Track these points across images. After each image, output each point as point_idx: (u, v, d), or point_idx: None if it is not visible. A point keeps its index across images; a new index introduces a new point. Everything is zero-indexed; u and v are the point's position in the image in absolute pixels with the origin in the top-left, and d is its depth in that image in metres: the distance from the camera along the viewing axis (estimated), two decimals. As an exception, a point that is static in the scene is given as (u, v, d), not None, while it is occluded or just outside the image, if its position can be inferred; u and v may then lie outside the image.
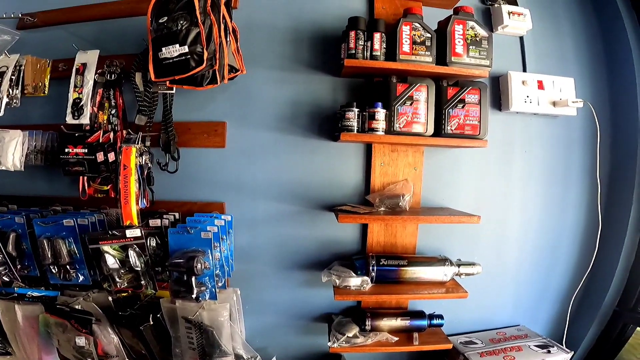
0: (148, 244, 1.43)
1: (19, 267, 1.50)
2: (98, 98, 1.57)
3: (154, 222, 1.50)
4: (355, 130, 1.48)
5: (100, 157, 1.54)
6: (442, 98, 1.54)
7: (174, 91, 1.47)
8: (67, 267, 1.44)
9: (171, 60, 1.24)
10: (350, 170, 1.71)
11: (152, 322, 1.41)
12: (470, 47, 1.51)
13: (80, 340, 1.38)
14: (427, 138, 1.53)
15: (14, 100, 1.60)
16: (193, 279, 1.25)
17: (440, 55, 1.51)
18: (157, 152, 1.59)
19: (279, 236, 1.71)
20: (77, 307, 1.45)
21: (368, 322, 1.57)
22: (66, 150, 1.54)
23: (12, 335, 1.57)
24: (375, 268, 1.53)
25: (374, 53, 1.48)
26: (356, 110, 1.47)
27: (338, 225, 1.63)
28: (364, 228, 1.71)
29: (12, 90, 1.58)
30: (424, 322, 1.62)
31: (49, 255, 1.43)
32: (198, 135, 1.64)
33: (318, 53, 1.68)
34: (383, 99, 1.49)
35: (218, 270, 1.40)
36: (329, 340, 1.56)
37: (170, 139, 1.57)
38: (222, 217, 1.59)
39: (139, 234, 1.35)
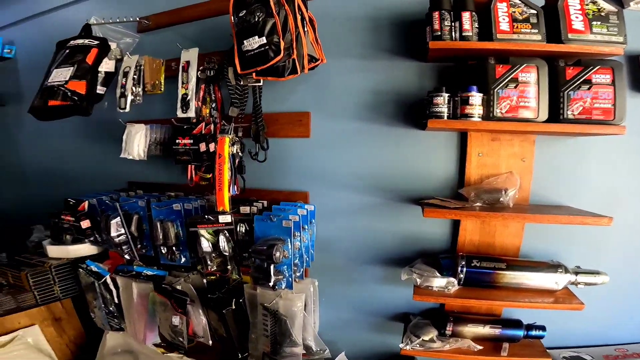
0: (238, 230, 1.50)
1: (138, 246, 1.72)
2: (201, 93, 1.71)
3: (244, 209, 1.57)
4: (445, 117, 1.33)
5: (202, 147, 1.67)
6: (558, 79, 1.29)
7: (261, 83, 1.52)
8: (173, 248, 1.60)
9: (252, 52, 1.28)
10: (440, 161, 1.55)
11: (234, 307, 1.48)
12: (594, 22, 1.26)
13: (176, 319, 1.52)
14: (540, 124, 1.30)
15: (137, 97, 1.82)
16: (272, 266, 1.28)
17: (552, 33, 1.27)
18: (249, 143, 1.66)
19: (361, 229, 1.64)
20: (178, 287, 1.60)
21: (449, 327, 1.41)
22: (177, 141, 1.72)
23: (127, 311, 1.79)
24: (464, 269, 1.37)
25: (464, 34, 1.31)
26: (446, 95, 1.32)
27: (424, 221, 1.50)
28: (455, 225, 1.54)
29: (135, 88, 1.81)
30: (519, 333, 1.40)
31: (160, 237, 1.60)
32: (285, 126, 1.67)
33: (400, 38, 1.55)
34: (479, 82, 1.31)
35: (297, 260, 1.41)
36: (402, 342, 1.45)
37: (259, 129, 1.62)
38: (306, 206, 1.59)
39: (229, 220, 1.43)
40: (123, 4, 2.01)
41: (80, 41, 1.78)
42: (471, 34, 1.31)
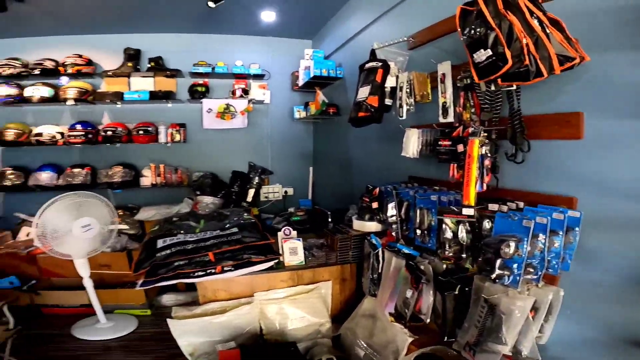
0: (483, 226, 1.55)
1: (404, 228, 2.07)
2: (461, 100, 1.83)
3: (492, 207, 1.59)
4: None
5: (460, 148, 1.80)
6: None
7: (514, 88, 1.48)
8: (425, 232, 1.83)
9: (483, 63, 1.31)
10: None
11: (456, 292, 1.53)
12: None
13: (409, 293, 1.72)
14: None
15: (411, 107, 2.17)
16: (498, 260, 1.27)
17: None
18: (507, 144, 1.63)
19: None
20: (421, 267, 1.80)
21: None
22: (439, 142, 1.93)
23: (383, 281, 2.10)
24: None
25: None
26: None
27: None
28: None
29: (408, 99, 2.16)
30: None
31: (418, 221, 1.88)
32: (548, 127, 1.53)
33: None
34: None
35: (536, 262, 1.30)
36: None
37: (516, 131, 1.57)
38: (569, 212, 1.41)
39: (472, 213, 1.51)
40: (397, 25, 2.42)
41: (370, 64, 2.29)
42: None
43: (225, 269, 2.24)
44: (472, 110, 1.80)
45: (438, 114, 1.93)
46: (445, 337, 1.64)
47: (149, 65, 4.15)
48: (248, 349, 2.12)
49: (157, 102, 4.20)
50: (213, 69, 4.25)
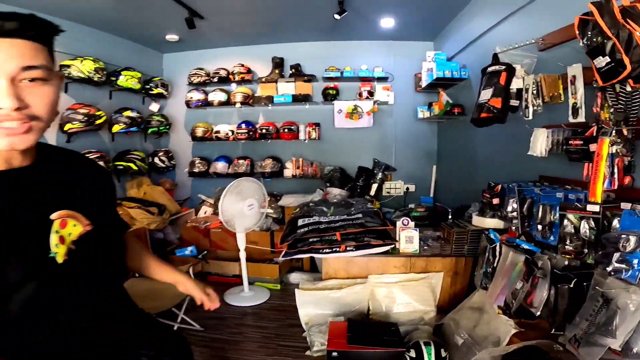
0: (613, 224, 1.52)
1: (525, 224, 2.07)
2: (599, 100, 1.77)
3: (625, 205, 1.54)
4: None
5: (593, 147, 1.76)
6: None
7: (643, 90, 1.42)
8: (546, 227, 1.83)
9: (603, 69, 1.33)
10: None
11: (571, 285, 1.51)
12: None
13: (519, 284, 1.73)
14: None
15: (538, 108, 2.16)
16: (616, 254, 1.28)
17: None
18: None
19: None
20: (539, 262, 1.78)
21: None
22: (569, 142, 1.91)
23: (497, 275, 2.09)
24: None
25: None
26: None
27: None
28: None
29: (535, 100, 2.15)
30: None
31: (539, 217, 1.89)
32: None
33: None
34: None
35: None
36: None
37: (655, 131, 1.50)
38: None
39: (597, 210, 1.51)
40: (525, 27, 2.39)
41: (493, 68, 2.33)
42: None
43: (348, 248, 2.56)
44: (611, 110, 1.74)
45: (568, 115, 1.90)
46: (553, 330, 1.62)
47: (291, 72, 4.87)
48: (354, 323, 2.42)
49: (297, 104, 4.88)
50: (342, 73, 4.73)
